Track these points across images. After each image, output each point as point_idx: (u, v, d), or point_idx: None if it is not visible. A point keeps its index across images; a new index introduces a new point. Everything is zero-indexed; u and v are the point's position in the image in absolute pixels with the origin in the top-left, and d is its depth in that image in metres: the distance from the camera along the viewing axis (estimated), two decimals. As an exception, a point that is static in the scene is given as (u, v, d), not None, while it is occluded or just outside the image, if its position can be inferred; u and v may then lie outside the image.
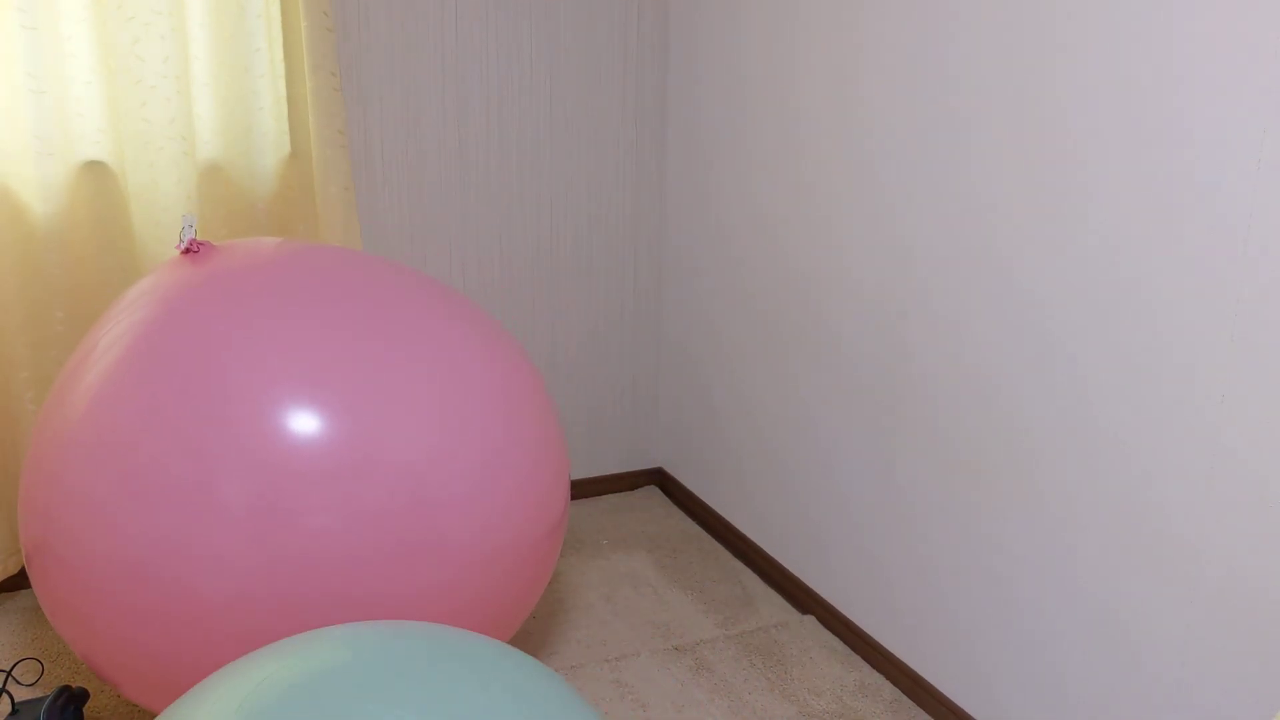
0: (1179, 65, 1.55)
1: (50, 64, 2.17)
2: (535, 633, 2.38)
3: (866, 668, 2.28)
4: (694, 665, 2.27)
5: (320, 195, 2.42)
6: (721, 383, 2.76)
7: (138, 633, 1.66)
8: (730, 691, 2.19)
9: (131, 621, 1.66)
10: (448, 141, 2.66)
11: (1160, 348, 1.62)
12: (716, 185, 2.69)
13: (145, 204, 2.35)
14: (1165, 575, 1.65)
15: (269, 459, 1.62)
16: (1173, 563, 1.64)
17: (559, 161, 2.79)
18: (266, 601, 1.63)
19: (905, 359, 2.12)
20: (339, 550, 1.65)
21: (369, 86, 2.56)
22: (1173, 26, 1.55)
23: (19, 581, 2.47)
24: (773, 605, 2.52)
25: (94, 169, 2.25)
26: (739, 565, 2.70)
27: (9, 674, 2.04)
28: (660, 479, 3.10)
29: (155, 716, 2.06)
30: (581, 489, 3.04)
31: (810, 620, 2.45)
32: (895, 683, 2.22)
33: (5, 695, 2.03)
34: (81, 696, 1.94)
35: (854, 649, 2.33)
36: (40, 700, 1.93)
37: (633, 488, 3.11)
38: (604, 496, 3.06)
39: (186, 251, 1.84)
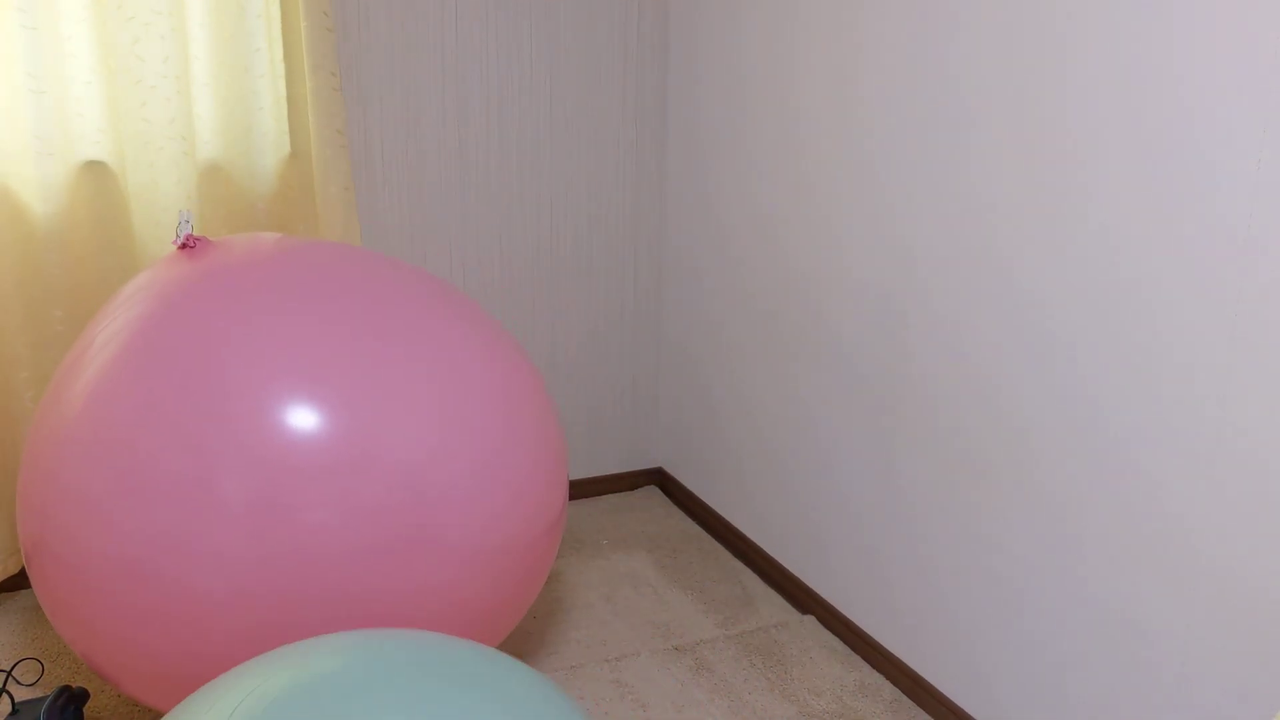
0: (1179, 65, 1.55)
1: (50, 64, 2.17)
2: (535, 633, 2.38)
3: (866, 668, 2.28)
4: (694, 665, 2.27)
5: (320, 195, 2.42)
6: (721, 383, 2.76)
7: (136, 629, 1.66)
8: (730, 691, 2.19)
9: (130, 618, 1.65)
10: (448, 141, 2.66)
11: (1161, 347, 1.62)
12: (716, 185, 2.69)
13: (145, 204, 2.35)
14: (1166, 575, 1.65)
15: (267, 455, 1.62)
16: (1173, 562, 1.64)
17: (559, 161, 2.79)
18: (265, 597, 1.63)
19: (905, 358, 2.12)
20: (338, 546, 1.65)
21: (369, 86, 2.56)
22: (1173, 26, 1.55)
23: (19, 581, 2.47)
24: (773, 605, 2.52)
25: (94, 169, 2.25)
26: (739, 565, 2.70)
27: (9, 674, 2.04)
28: (660, 479, 3.10)
29: (155, 715, 2.06)
30: (581, 489, 3.04)
31: (810, 620, 2.45)
32: (895, 683, 2.22)
33: (5, 695, 2.03)
34: (81, 696, 1.94)
35: (854, 649, 2.33)
36: (40, 700, 1.93)
37: (633, 488, 3.11)
38: (604, 496, 3.06)
39: (183, 247, 1.84)
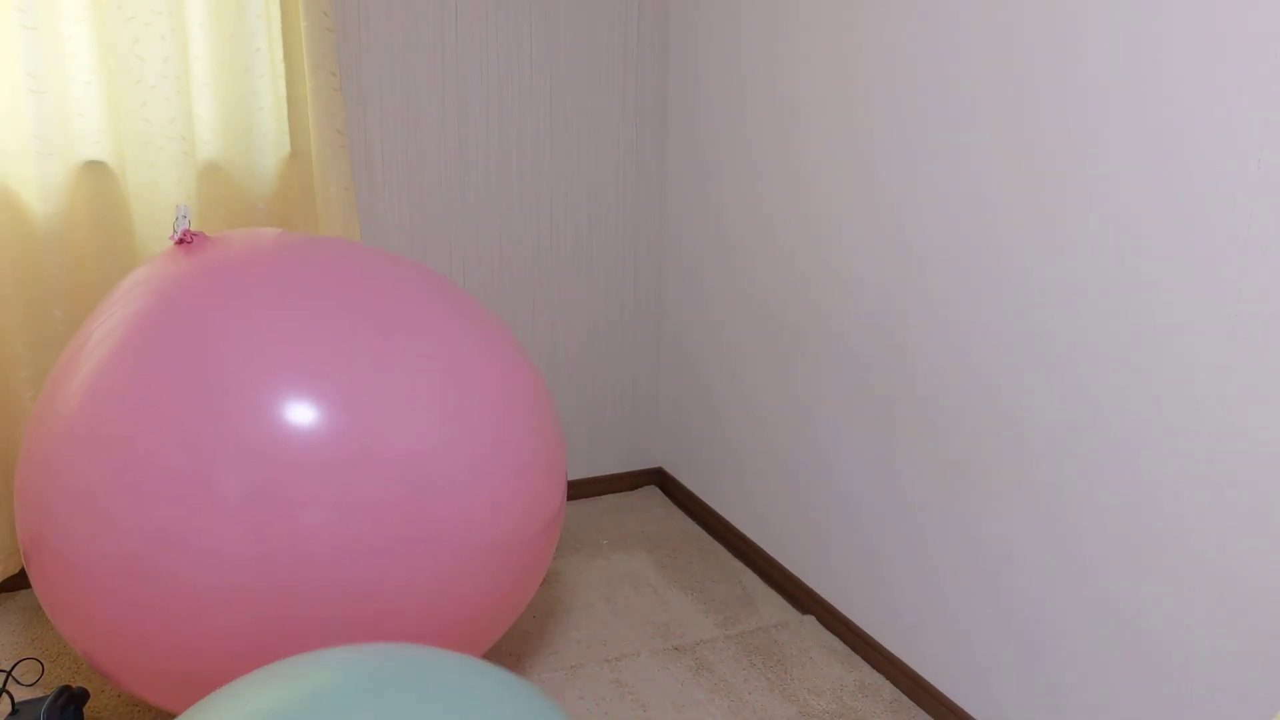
0: (1180, 64, 1.55)
1: (50, 64, 2.17)
2: (535, 633, 2.38)
3: (866, 668, 2.28)
4: (694, 665, 2.27)
5: (320, 195, 2.43)
6: (721, 382, 2.76)
7: (135, 626, 1.66)
8: (730, 691, 2.19)
9: (128, 614, 1.65)
10: (448, 141, 2.66)
11: (1161, 346, 1.62)
12: (717, 185, 2.69)
13: (145, 204, 2.35)
14: (1167, 574, 1.65)
15: (266, 450, 1.62)
16: (1175, 562, 1.64)
17: (559, 161, 2.79)
18: (264, 593, 1.63)
19: (906, 357, 2.12)
20: (336, 542, 1.64)
21: (369, 86, 2.56)
22: (1174, 26, 1.55)
23: (19, 581, 2.47)
24: (773, 605, 2.52)
25: (94, 169, 2.25)
26: (739, 565, 2.70)
27: (9, 674, 2.04)
28: (660, 479, 3.10)
29: (155, 713, 2.06)
30: (581, 489, 3.04)
31: (810, 620, 2.44)
32: (895, 683, 2.22)
33: (5, 695, 2.03)
34: (81, 696, 1.94)
35: (854, 649, 2.33)
36: (40, 700, 1.93)
37: (633, 488, 3.11)
38: (604, 496, 3.06)
39: (180, 242, 1.83)
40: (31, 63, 2.14)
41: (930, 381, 2.06)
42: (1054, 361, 1.79)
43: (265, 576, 1.62)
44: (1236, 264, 1.50)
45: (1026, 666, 1.91)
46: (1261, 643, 1.53)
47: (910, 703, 2.17)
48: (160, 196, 2.34)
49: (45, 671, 2.18)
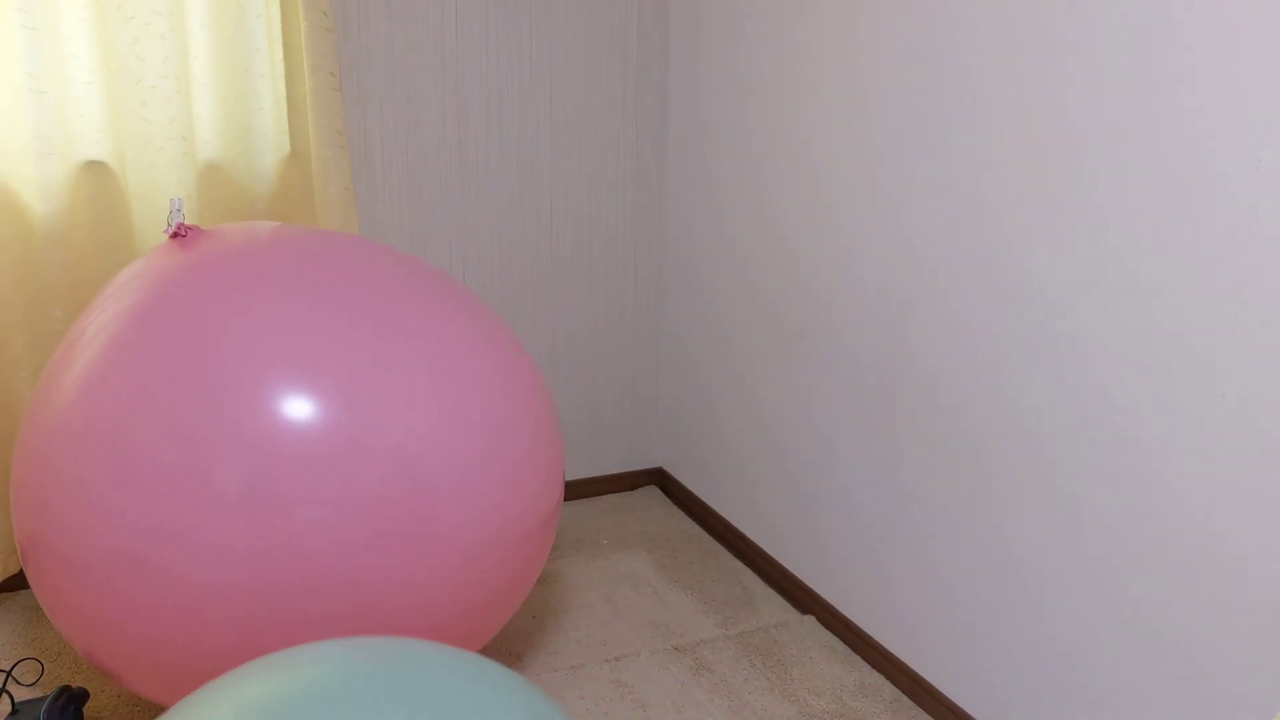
0: (1181, 63, 1.55)
1: (50, 64, 2.17)
2: (535, 632, 2.38)
3: (866, 668, 2.28)
4: (694, 665, 2.27)
5: (320, 195, 2.43)
6: (722, 382, 2.76)
7: (132, 621, 1.66)
8: (730, 691, 2.19)
9: (126, 610, 1.65)
10: (448, 141, 2.66)
11: (1167, 344, 1.62)
12: (717, 184, 2.69)
13: (145, 204, 2.35)
14: (1169, 574, 1.65)
15: (262, 445, 1.62)
16: (1177, 561, 1.64)
17: (559, 161, 2.79)
18: (262, 588, 1.63)
19: (906, 356, 2.12)
20: (333, 537, 1.64)
21: (369, 86, 2.56)
22: (1175, 24, 1.55)
23: (19, 581, 2.47)
24: (773, 605, 2.52)
25: (94, 169, 2.25)
26: (739, 565, 2.70)
27: (9, 674, 2.04)
28: (660, 479, 3.10)
29: (154, 711, 2.06)
30: (581, 489, 3.04)
31: (810, 620, 2.44)
32: (895, 683, 2.22)
33: (5, 695, 2.03)
34: (81, 696, 1.94)
35: (854, 649, 2.33)
36: (40, 700, 1.93)
37: (633, 488, 3.11)
38: (604, 496, 3.06)
39: (174, 236, 1.83)
40: (31, 63, 2.14)
41: (931, 380, 2.06)
42: (1056, 360, 1.79)
43: (262, 571, 1.62)
44: (1243, 259, 1.50)
45: (1027, 666, 1.91)
46: (1265, 642, 1.53)
47: (910, 703, 2.17)
48: (160, 196, 2.34)
49: (45, 671, 2.18)
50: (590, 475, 3.05)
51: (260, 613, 1.65)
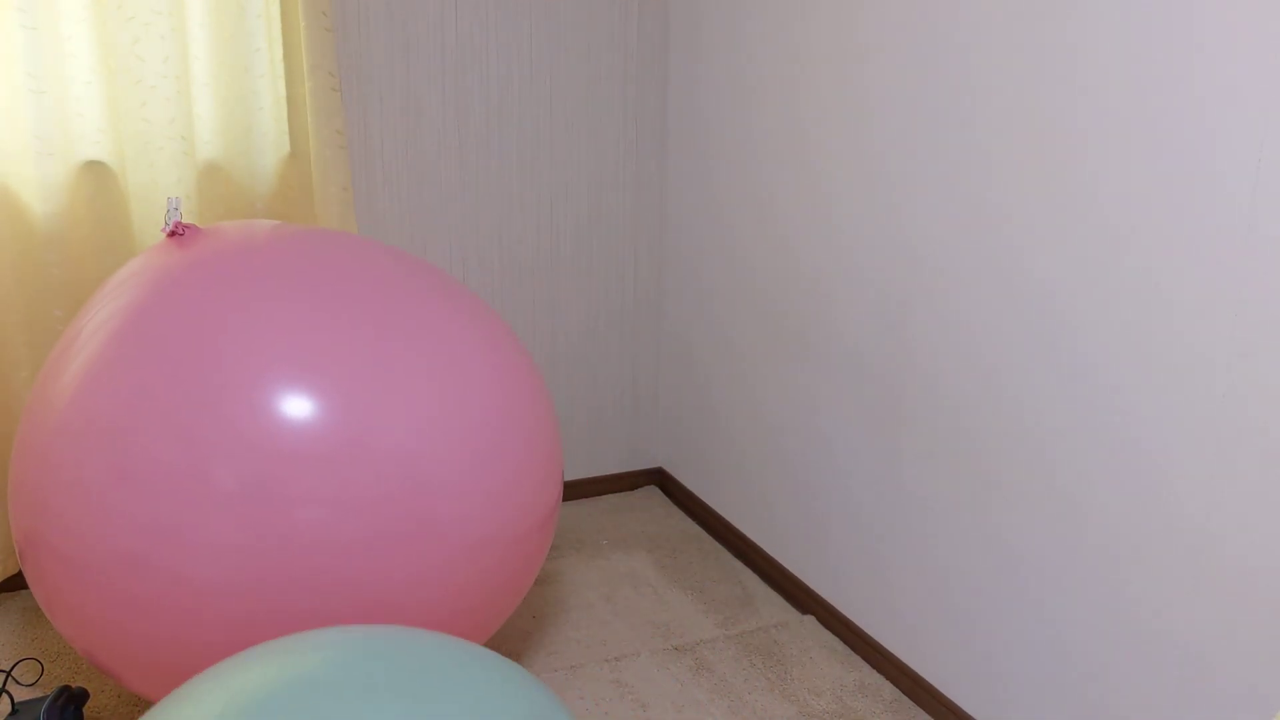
0: (1181, 63, 1.55)
1: (50, 64, 2.17)
2: (535, 632, 2.38)
3: (866, 668, 2.28)
4: (694, 665, 2.27)
5: (319, 195, 2.43)
6: (722, 382, 2.76)
7: (131, 620, 1.66)
8: (730, 691, 2.19)
9: (125, 609, 1.65)
10: (448, 141, 2.66)
11: (1170, 343, 1.62)
12: (717, 184, 2.69)
13: (145, 204, 2.35)
14: (1170, 573, 1.65)
15: (261, 444, 1.62)
16: (1179, 560, 1.64)
17: (559, 161, 2.79)
18: (261, 587, 1.63)
19: (907, 356, 2.12)
20: (332, 536, 1.64)
21: (369, 87, 2.56)
22: (1175, 24, 1.55)
23: (19, 581, 2.47)
24: (773, 605, 2.52)
25: (94, 169, 2.25)
26: (739, 565, 2.70)
27: (9, 674, 2.04)
28: (660, 479, 3.10)
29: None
30: (581, 489, 3.04)
31: (810, 620, 2.44)
32: (895, 683, 2.22)
33: (5, 695, 2.03)
34: (81, 696, 1.94)
35: (854, 649, 2.33)
36: (40, 700, 1.93)
37: (633, 488, 3.11)
38: (604, 496, 3.06)
39: (172, 234, 1.83)
40: (31, 63, 2.14)
41: (932, 380, 2.06)
42: (1056, 360, 1.79)
43: (262, 571, 1.62)
44: (1245, 258, 1.50)
45: (1028, 666, 1.91)
46: (1266, 642, 1.53)
47: (910, 703, 2.17)
48: (160, 196, 2.34)
49: (45, 671, 2.18)
50: (590, 475, 3.05)
51: (260, 612, 1.64)
